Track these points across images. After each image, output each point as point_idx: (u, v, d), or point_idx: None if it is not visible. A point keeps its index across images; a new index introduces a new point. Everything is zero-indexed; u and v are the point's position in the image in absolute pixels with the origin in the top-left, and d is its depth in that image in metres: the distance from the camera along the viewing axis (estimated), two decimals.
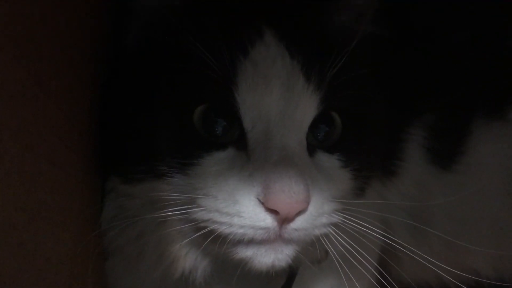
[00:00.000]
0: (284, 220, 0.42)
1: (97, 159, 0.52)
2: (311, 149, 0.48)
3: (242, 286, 0.54)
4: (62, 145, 0.44)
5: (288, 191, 0.41)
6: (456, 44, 0.69)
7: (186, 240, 0.47)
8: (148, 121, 0.47)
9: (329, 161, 0.49)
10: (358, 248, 0.48)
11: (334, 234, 0.46)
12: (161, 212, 0.46)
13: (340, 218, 0.46)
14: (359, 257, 0.48)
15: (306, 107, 0.47)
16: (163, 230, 0.49)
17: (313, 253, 0.51)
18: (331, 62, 0.47)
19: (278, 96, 0.46)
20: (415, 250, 0.50)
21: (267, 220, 0.42)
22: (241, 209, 0.42)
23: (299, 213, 0.42)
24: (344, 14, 0.55)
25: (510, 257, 0.71)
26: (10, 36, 0.34)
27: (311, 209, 0.43)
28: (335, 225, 0.46)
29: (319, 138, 0.49)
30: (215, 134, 0.46)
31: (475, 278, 0.68)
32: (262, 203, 0.42)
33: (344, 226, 0.47)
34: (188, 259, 0.51)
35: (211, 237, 0.44)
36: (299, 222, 0.43)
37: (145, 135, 0.47)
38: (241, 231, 0.43)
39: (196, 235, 0.45)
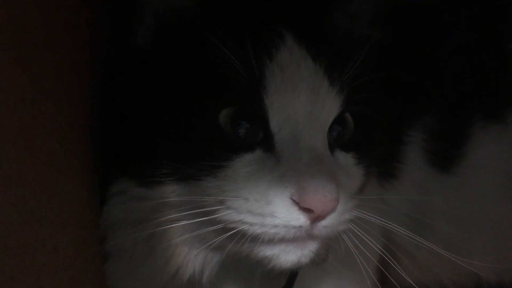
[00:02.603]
0: (317, 218, 0.43)
1: (97, 162, 0.52)
2: (331, 148, 0.49)
3: (244, 285, 0.54)
4: (61, 149, 0.44)
5: (322, 191, 0.42)
6: (455, 46, 0.69)
7: (209, 243, 0.47)
8: (170, 123, 0.47)
9: (346, 159, 0.51)
10: (361, 247, 0.48)
11: (352, 229, 0.47)
12: (182, 214, 0.46)
13: (358, 214, 0.47)
14: (360, 258, 0.48)
15: (330, 109, 0.49)
16: (173, 232, 0.49)
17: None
18: (349, 66, 0.49)
19: (305, 99, 0.47)
20: (420, 246, 0.50)
21: (300, 219, 0.43)
22: (275, 209, 0.43)
23: (330, 211, 0.44)
24: (347, 18, 0.56)
25: (511, 260, 0.71)
26: (9, 39, 0.34)
27: (339, 206, 0.44)
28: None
29: (333, 137, 0.51)
30: (239, 136, 0.47)
31: (475, 281, 0.67)
32: (297, 203, 0.43)
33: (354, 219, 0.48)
34: (197, 260, 0.51)
35: (237, 237, 0.44)
36: (329, 220, 0.44)
37: (165, 137, 0.47)
38: (273, 230, 0.43)
39: (224, 236, 0.45)
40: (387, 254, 0.56)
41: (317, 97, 0.48)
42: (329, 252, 0.52)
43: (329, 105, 0.48)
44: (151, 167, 0.47)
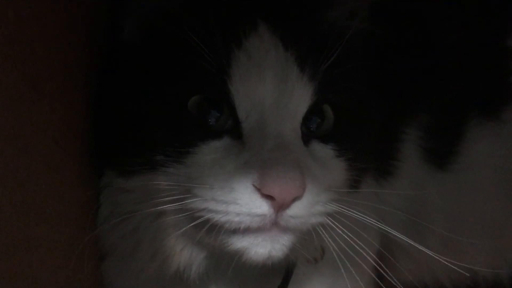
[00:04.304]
0: (280, 206, 0.42)
1: (93, 161, 0.52)
2: (306, 139, 0.49)
3: (237, 285, 0.54)
4: (57, 147, 0.43)
5: (284, 177, 0.41)
6: (451, 43, 0.69)
7: (180, 231, 0.47)
8: (144, 112, 0.47)
9: (324, 151, 0.50)
10: (357, 244, 0.48)
11: (333, 226, 0.46)
12: (157, 202, 0.46)
13: (336, 208, 0.46)
14: (356, 257, 0.48)
15: (301, 97, 0.48)
16: (158, 224, 0.49)
17: (309, 252, 0.51)
18: (325, 55, 0.48)
19: (272, 86, 0.47)
20: (421, 247, 0.50)
21: (263, 207, 0.42)
22: (237, 197, 0.42)
23: (295, 199, 0.43)
24: (337, 10, 0.56)
25: (507, 256, 0.71)
26: (3, 38, 0.34)
27: (307, 196, 0.43)
28: (333, 217, 0.46)
29: (311, 129, 0.50)
30: (209, 124, 0.47)
31: (472, 278, 0.68)
32: (258, 190, 0.42)
33: (342, 218, 0.47)
34: (183, 254, 0.51)
35: (206, 226, 0.44)
36: (296, 209, 0.43)
37: (141, 126, 0.47)
38: (237, 219, 0.43)
39: (191, 224, 0.45)
40: (383, 252, 0.56)
41: (285, 85, 0.47)
42: (324, 251, 0.52)
43: (298, 93, 0.48)
44: (127, 156, 0.47)
